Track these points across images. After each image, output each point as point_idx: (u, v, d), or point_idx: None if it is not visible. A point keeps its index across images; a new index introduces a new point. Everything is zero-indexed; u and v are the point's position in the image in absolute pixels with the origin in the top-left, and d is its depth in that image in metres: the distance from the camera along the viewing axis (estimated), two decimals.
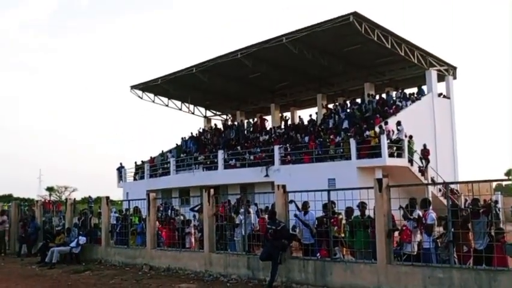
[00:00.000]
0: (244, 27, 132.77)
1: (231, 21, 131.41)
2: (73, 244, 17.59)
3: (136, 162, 37.20)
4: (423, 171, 24.23)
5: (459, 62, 67.71)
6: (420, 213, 10.91)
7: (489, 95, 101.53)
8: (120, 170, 37.14)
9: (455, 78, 30.47)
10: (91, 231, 18.45)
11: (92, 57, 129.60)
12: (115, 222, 18.78)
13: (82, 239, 17.69)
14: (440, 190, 23.32)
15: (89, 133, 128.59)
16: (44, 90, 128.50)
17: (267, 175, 25.83)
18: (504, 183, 32.64)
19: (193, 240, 15.82)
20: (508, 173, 50.49)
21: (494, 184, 39.32)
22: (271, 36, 27.25)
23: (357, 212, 11.90)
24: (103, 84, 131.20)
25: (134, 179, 36.64)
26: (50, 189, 76.25)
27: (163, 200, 24.63)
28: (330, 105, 33.19)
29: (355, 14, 24.08)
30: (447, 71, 29.86)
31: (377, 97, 30.33)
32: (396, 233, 10.77)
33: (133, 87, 36.87)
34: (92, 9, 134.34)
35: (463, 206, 15.45)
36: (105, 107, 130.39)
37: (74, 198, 21.71)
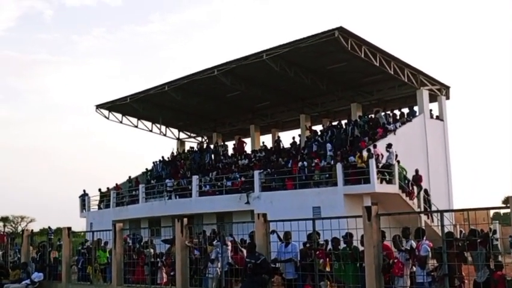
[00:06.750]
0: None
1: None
2: (29, 281, 17.23)
3: (100, 190, 36.65)
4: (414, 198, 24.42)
5: (452, 81, 69.12)
6: (413, 244, 10.93)
7: (485, 116, 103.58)
8: (83, 197, 36.58)
9: (448, 98, 30.92)
10: (50, 266, 18.12)
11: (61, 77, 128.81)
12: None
13: (37, 276, 17.37)
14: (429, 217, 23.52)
15: (48, 157, 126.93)
16: None
17: (247, 202, 25.67)
18: (502, 211, 32.91)
19: (164, 275, 15.60)
20: (506, 201, 51.17)
21: (491, 212, 40.00)
22: (251, 52, 27.51)
23: (343, 244, 11.90)
24: (63, 103, 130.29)
25: (99, 208, 36.07)
26: (4, 220, 74.95)
27: (131, 231, 24.29)
28: (314, 127, 33.42)
29: (340, 29, 24.35)
30: (439, 90, 30.32)
31: (360, 118, 30.42)
32: None
33: (99, 106, 36.62)
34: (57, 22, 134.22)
35: (458, 237, 15.55)
36: (67, 128, 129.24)
37: (32, 230, 21.35)
